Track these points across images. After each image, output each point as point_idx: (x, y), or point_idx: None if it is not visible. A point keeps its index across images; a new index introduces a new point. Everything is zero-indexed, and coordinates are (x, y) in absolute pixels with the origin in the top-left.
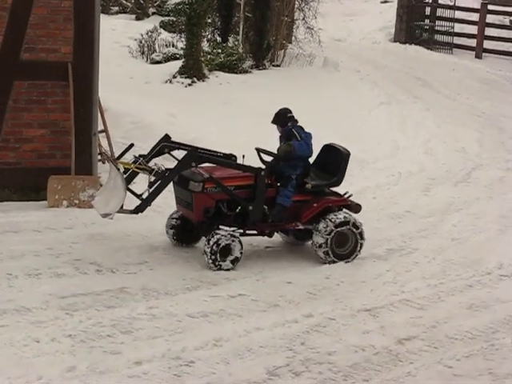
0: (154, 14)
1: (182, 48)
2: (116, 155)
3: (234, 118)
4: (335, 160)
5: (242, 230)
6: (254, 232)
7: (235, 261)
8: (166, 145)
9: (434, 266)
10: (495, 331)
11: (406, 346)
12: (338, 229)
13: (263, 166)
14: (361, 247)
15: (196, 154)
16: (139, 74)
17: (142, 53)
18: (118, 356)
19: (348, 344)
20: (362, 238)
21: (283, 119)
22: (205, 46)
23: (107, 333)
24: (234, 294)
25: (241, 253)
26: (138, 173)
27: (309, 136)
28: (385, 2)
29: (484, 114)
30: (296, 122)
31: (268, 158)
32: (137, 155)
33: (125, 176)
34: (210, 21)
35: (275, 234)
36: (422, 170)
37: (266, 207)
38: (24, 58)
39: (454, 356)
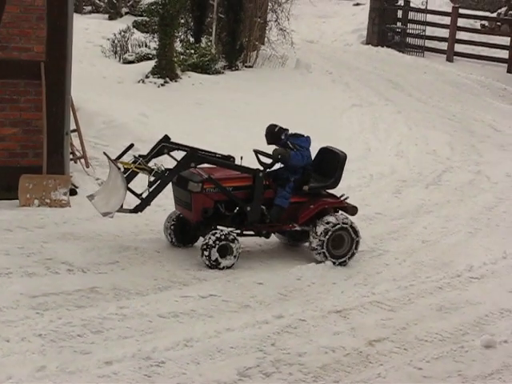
0: (127, 13)
1: (154, 48)
2: (113, 156)
3: (206, 119)
4: (332, 162)
5: (239, 231)
6: (251, 232)
7: (232, 260)
8: (165, 145)
9: (404, 268)
10: (465, 333)
11: (376, 348)
12: (334, 231)
13: (261, 168)
14: (357, 246)
15: (196, 155)
16: (112, 74)
17: (115, 52)
18: (88, 356)
19: (318, 345)
20: (357, 236)
21: (276, 135)
22: (178, 46)
23: (78, 332)
24: (204, 295)
25: (238, 253)
26: (137, 173)
27: (306, 144)
28: (357, 4)
29: (455, 116)
30: (287, 131)
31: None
32: (137, 155)
33: (125, 176)
34: (183, 21)
35: (272, 234)
36: (394, 172)
37: (264, 208)
38: None
39: (423, 358)
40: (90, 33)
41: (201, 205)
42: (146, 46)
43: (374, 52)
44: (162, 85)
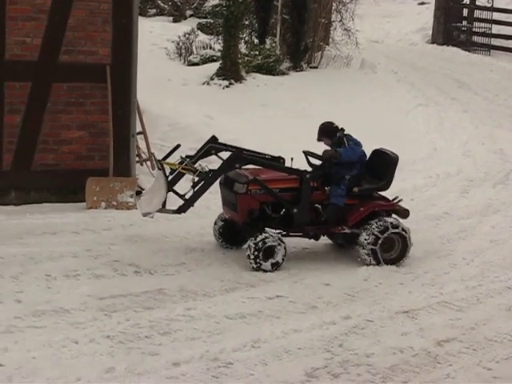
0: (191, 16)
1: (219, 50)
2: (160, 157)
3: (271, 119)
4: (384, 164)
5: (286, 233)
6: (300, 234)
7: (276, 265)
8: (212, 146)
9: (472, 267)
10: None
11: (444, 348)
12: (385, 234)
13: (310, 169)
14: (408, 251)
15: (240, 156)
16: (177, 76)
17: (180, 55)
18: (156, 357)
19: (386, 346)
20: (409, 242)
21: (331, 131)
22: (242, 47)
23: (145, 334)
24: (271, 296)
25: (283, 259)
26: (184, 174)
27: (358, 144)
28: (422, 3)
29: None
30: (343, 131)
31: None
32: (183, 156)
33: (171, 176)
34: (247, 23)
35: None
36: (460, 172)
37: (319, 207)
38: (63, 60)
39: (493, 358)
40: (154, 35)
41: (246, 206)
42: (210, 47)
43: (440, 51)
44: (227, 86)
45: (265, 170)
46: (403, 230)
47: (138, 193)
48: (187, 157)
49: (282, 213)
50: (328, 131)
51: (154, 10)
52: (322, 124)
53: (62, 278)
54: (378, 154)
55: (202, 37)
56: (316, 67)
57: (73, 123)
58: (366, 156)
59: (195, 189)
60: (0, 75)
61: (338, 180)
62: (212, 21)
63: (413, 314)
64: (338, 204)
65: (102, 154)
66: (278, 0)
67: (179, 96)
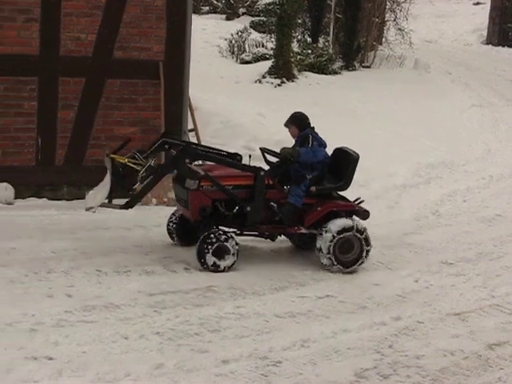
0: (244, 14)
1: (271, 48)
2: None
3: (323, 118)
4: (344, 164)
5: (240, 231)
6: (255, 233)
7: (229, 263)
8: (165, 141)
9: None
10: None
11: (496, 352)
12: (342, 235)
13: (267, 167)
14: (367, 254)
15: (190, 151)
16: (229, 74)
17: (232, 52)
18: (205, 354)
19: (437, 348)
20: (367, 244)
21: (302, 123)
22: (295, 46)
23: (195, 331)
24: (321, 295)
25: (235, 254)
26: (134, 168)
27: (322, 145)
28: (477, 3)
29: None
30: (313, 128)
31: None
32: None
33: (121, 171)
34: (300, 21)
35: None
36: None
37: (274, 205)
38: (117, 56)
39: None
40: (207, 33)
41: (198, 203)
42: (262, 46)
43: (495, 52)
44: (279, 85)
45: (220, 167)
46: (359, 231)
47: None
48: (138, 151)
49: (235, 211)
50: (299, 121)
51: (207, 8)
52: (296, 112)
53: (112, 274)
54: (339, 152)
55: (255, 35)
56: (369, 67)
57: (125, 119)
58: (328, 158)
59: (143, 184)
60: (54, 71)
61: (299, 180)
62: (265, 19)
63: (464, 317)
64: (295, 204)
65: None
66: None
67: (231, 94)
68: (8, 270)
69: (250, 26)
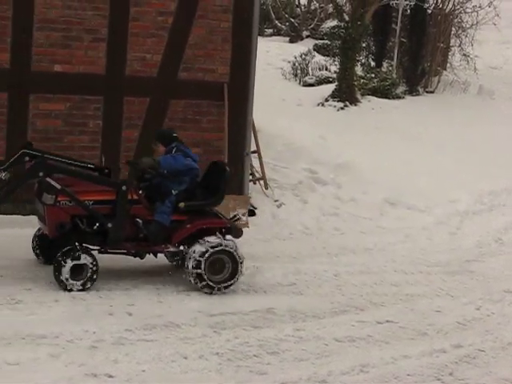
0: (307, 36)
1: (335, 71)
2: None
3: (385, 143)
4: (218, 179)
5: (103, 249)
6: (123, 251)
7: (88, 281)
8: (25, 152)
9: None
10: None
11: None
12: (211, 254)
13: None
14: (239, 274)
15: (45, 164)
16: (291, 96)
17: (295, 75)
18: (264, 376)
19: (498, 377)
20: (240, 263)
21: (167, 138)
22: (358, 70)
23: (254, 353)
24: (381, 321)
25: (93, 274)
26: None
27: (190, 156)
28: None
29: None
30: (181, 141)
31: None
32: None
33: None
34: (364, 45)
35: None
36: None
37: (140, 221)
38: (181, 77)
39: None
40: (270, 55)
41: (55, 219)
42: (326, 69)
43: None
44: (342, 108)
45: (82, 181)
46: (230, 248)
47: (251, 211)
48: None
49: (95, 227)
50: (164, 137)
51: (270, 30)
52: (160, 130)
53: (173, 293)
54: (214, 166)
55: (318, 58)
56: (432, 92)
57: (188, 140)
58: (197, 170)
59: None
60: (120, 90)
61: (164, 196)
62: (329, 42)
63: None
64: (161, 222)
65: None
66: (396, 23)
67: (293, 116)
68: None
69: (314, 49)
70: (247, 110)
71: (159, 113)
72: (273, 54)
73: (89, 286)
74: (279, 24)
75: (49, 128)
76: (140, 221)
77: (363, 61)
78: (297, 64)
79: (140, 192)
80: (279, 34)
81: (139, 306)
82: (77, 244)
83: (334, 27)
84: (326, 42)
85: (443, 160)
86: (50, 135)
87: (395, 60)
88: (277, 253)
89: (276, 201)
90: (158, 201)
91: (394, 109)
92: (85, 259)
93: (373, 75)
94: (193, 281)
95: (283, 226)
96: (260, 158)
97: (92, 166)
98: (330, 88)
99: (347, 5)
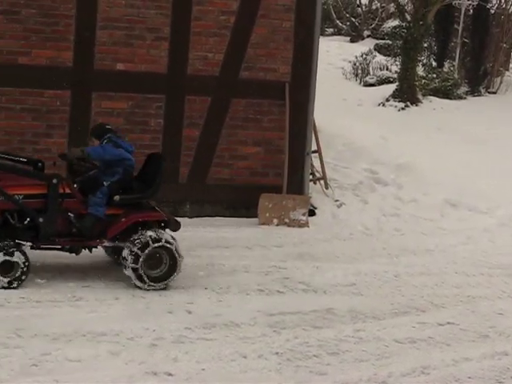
0: (368, 36)
1: (396, 71)
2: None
3: (446, 144)
4: (153, 171)
5: (35, 245)
6: (57, 247)
7: (16, 280)
8: None
9: None
10: None
11: None
12: (147, 248)
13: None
14: (178, 268)
15: None
16: (352, 96)
17: (356, 75)
18: (324, 377)
19: None
20: (178, 257)
21: (100, 132)
22: (420, 70)
23: (314, 353)
24: (442, 322)
25: (22, 274)
26: None
27: (123, 147)
28: None
29: None
30: (115, 133)
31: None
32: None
33: None
34: (426, 45)
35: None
36: None
37: (72, 215)
38: (243, 76)
39: None
40: (331, 55)
41: None
42: (387, 69)
43: None
44: (403, 108)
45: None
46: (167, 242)
47: (311, 211)
48: None
49: (26, 222)
50: (96, 131)
51: (331, 30)
52: (94, 125)
53: (232, 292)
54: (152, 158)
55: (379, 58)
56: (494, 92)
57: (249, 139)
58: (130, 161)
59: None
60: (182, 89)
61: (95, 187)
62: (390, 42)
63: None
64: (95, 214)
65: (276, 171)
66: (458, 23)
67: (354, 116)
68: (130, 284)
69: (375, 49)
70: (308, 110)
71: (220, 112)
72: (333, 54)
73: (15, 285)
74: (340, 24)
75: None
76: (72, 215)
77: (425, 61)
78: (357, 64)
79: (75, 186)
80: (340, 34)
81: (198, 305)
82: (11, 240)
83: (395, 27)
84: (387, 41)
85: (505, 161)
86: None
87: (457, 60)
88: (337, 253)
89: (336, 201)
90: (90, 193)
91: (455, 109)
92: (18, 257)
93: (434, 75)
94: (129, 275)
95: (343, 226)
96: (321, 157)
97: (24, 160)
98: (390, 88)
99: (409, 4)
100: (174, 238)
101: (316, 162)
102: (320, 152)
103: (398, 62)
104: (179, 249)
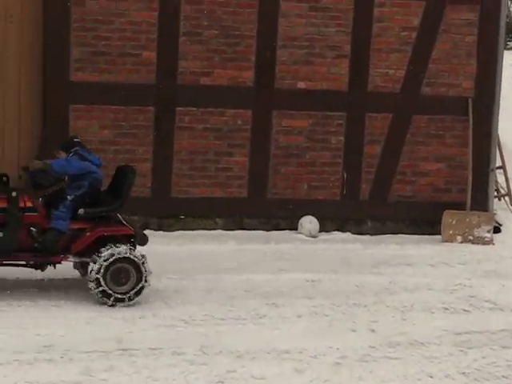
0: None
1: None
2: None
3: None
4: (123, 183)
5: None
6: (23, 263)
7: None
8: None
9: None
10: None
11: None
12: (112, 263)
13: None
14: (145, 284)
15: None
16: None
17: None
18: None
19: None
20: (145, 273)
21: (68, 145)
22: None
23: (502, 373)
24: None
25: None
26: None
27: (95, 160)
28: None
29: None
30: (83, 146)
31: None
32: None
33: None
34: None
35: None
36: None
37: (33, 229)
38: (424, 92)
39: None
40: None
41: None
42: None
43: None
44: None
45: None
46: (135, 257)
47: (496, 228)
48: None
49: None
50: (64, 144)
51: None
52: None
53: (416, 310)
54: (120, 170)
55: None
56: None
57: (431, 155)
58: (96, 174)
59: None
60: (362, 106)
61: (59, 201)
62: None
63: None
64: (58, 228)
65: (460, 187)
66: None
67: None
68: (312, 302)
69: None
70: (492, 125)
71: (401, 128)
72: None
73: None
74: None
75: (291, 144)
76: (34, 229)
77: None
78: None
79: (40, 199)
80: None
81: (382, 323)
82: None
83: None
84: None
85: None
86: (292, 151)
87: None
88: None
89: None
90: (52, 207)
91: None
92: None
93: None
94: (93, 290)
95: None
96: (505, 173)
97: None
98: None
99: None
100: (142, 254)
101: (500, 178)
102: (505, 168)
103: None
104: (147, 265)
